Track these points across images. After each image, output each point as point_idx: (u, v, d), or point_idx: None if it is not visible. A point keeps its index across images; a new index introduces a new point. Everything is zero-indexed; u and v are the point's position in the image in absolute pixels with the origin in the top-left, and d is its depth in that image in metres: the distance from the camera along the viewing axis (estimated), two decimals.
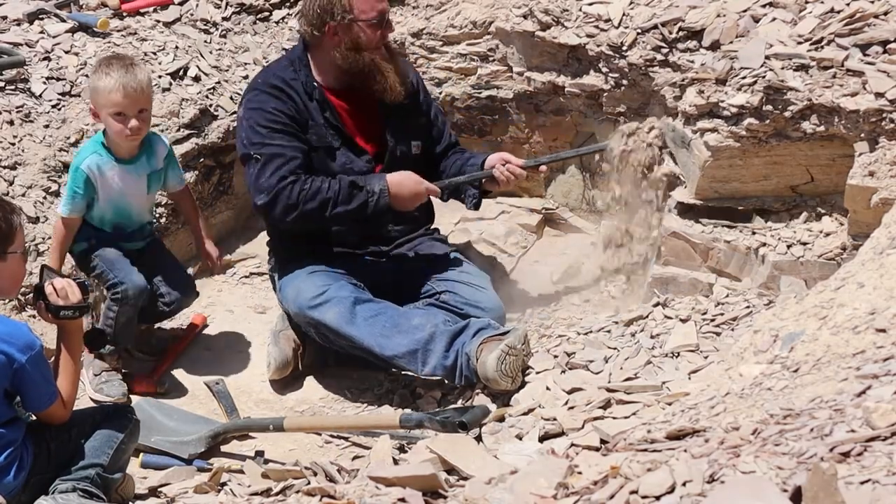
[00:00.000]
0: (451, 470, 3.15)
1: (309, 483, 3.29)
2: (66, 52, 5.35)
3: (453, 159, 4.91)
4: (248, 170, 4.61)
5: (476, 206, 4.89)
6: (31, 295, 3.83)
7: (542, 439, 3.77)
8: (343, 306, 4.50)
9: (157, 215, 5.12)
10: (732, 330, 4.23)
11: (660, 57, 4.76)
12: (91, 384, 4.55)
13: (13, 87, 5.16)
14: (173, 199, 5.01)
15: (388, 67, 4.65)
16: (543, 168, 4.90)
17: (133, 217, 4.68)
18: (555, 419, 3.85)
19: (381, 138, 4.74)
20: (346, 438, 4.35)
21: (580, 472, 2.38)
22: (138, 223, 4.71)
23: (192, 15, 5.75)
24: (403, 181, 4.59)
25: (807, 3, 4.51)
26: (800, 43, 4.38)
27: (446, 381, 4.48)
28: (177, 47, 5.48)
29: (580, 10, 5.03)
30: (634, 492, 2.18)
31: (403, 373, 4.66)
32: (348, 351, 4.58)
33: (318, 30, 4.64)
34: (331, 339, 4.55)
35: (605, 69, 5.00)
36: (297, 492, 3.20)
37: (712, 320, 4.33)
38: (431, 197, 5.01)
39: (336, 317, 4.49)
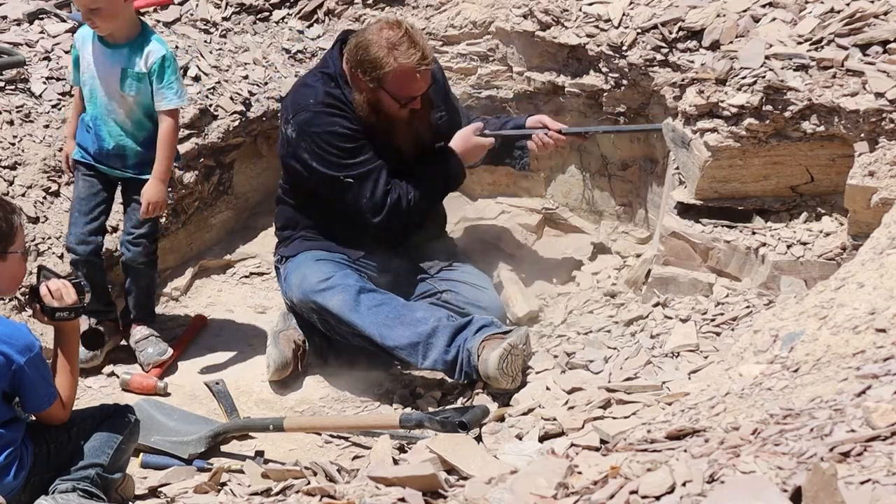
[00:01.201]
0: (451, 470, 3.15)
1: (309, 483, 3.29)
2: (66, 52, 5.34)
3: (491, 121, 4.99)
4: (339, 189, 4.62)
5: (525, 167, 5.05)
6: (27, 296, 3.82)
7: (542, 439, 3.77)
8: (348, 294, 4.52)
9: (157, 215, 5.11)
10: (732, 330, 4.23)
11: (660, 57, 4.76)
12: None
13: (13, 87, 5.16)
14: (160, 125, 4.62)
15: (401, 129, 4.65)
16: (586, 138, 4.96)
17: (103, 111, 4.61)
18: (555, 419, 3.86)
19: (406, 145, 4.75)
20: (346, 438, 4.35)
21: (580, 472, 2.38)
22: (112, 129, 4.61)
23: (192, 15, 5.75)
24: (466, 148, 4.82)
25: (807, 3, 4.51)
26: (800, 43, 4.38)
27: (446, 377, 4.49)
28: (177, 47, 5.48)
29: (580, 10, 5.03)
30: (634, 492, 2.18)
31: (404, 372, 4.66)
32: (349, 340, 4.58)
33: (350, 67, 4.60)
34: (333, 325, 4.57)
35: (605, 69, 5.00)
36: (297, 492, 3.20)
37: (712, 320, 4.33)
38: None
39: (340, 303, 4.51)
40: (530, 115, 4.97)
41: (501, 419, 4.11)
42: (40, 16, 5.54)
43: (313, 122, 4.59)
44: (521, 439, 3.85)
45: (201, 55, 5.55)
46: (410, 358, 4.46)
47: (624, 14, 4.90)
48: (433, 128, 4.79)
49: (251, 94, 5.51)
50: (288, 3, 5.93)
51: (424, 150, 4.77)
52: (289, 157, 4.69)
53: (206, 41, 5.65)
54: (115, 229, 4.92)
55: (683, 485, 2.15)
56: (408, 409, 4.42)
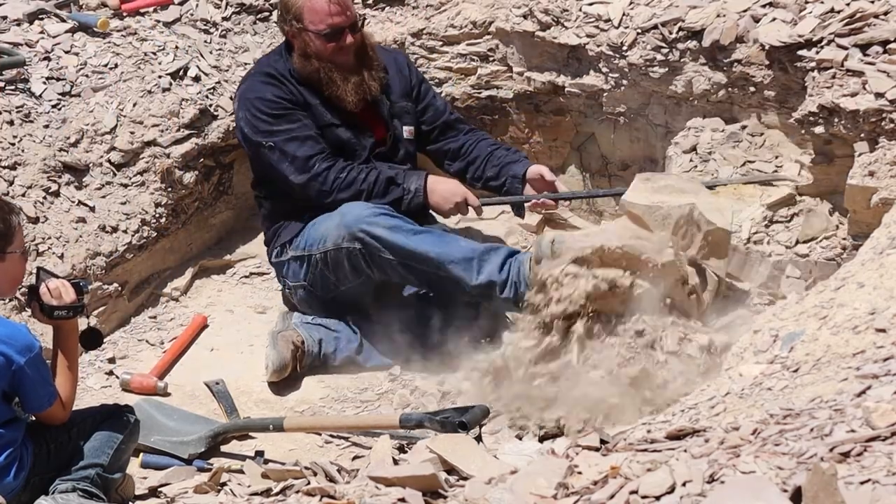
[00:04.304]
0: (450, 470, 3.15)
1: (309, 483, 3.29)
2: (66, 52, 5.34)
3: (485, 150, 4.94)
4: (264, 158, 4.73)
5: (521, 216, 5.02)
6: (26, 296, 3.82)
7: (542, 439, 3.78)
8: (393, 220, 4.55)
9: (158, 215, 5.12)
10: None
11: (660, 57, 4.76)
12: None
13: (13, 87, 5.15)
14: None
15: (340, 78, 4.71)
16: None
17: None
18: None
19: (380, 119, 4.85)
20: (346, 438, 4.35)
21: (580, 472, 2.38)
22: None
23: (192, 15, 5.74)
24: (440, 183, 4.73)
25: (807, 3, 4.51)
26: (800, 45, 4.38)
27: (494, 294, 4.47)
28: (177, 47, 5.48)
29: (580, 10, 5.03)
30: (634, 492, 2.18)
31: (404, 373, 4.65)
32: (392, 273, 4.58)
33: (282, 26, 4.83)
34: (375, 257, 4.56)
35: (605, 69, 5.00)
36: (297, 492, 3.20)
37: None
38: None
39: (388, 228, 4.53)
40: (530, 166, 4.87)
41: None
42: (40, 16, 5.53)
43: (248, 90, 4.79)
44: (521, 439, 3.85)
45: (201, 55, 5.55)
46: (465, 272, 4.47)
47: (624, 14, 4.89)
48: (377, 77, 4.79)
49: None
50: None
51: (370, 103, 4.78)
52: (238, 135, 4.86)
53: (206, 41, 5.65)
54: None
55: (683, 485, 2.15)
56: (407, 409, 4.41)
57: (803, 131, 4.43)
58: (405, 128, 4.90)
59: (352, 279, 4.66)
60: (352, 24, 4.72)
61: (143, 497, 3.99)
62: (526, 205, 4.86)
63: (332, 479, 3.48)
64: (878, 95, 4.13)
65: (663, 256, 4.15)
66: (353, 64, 4.74)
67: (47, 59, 5.32)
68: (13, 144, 4.94)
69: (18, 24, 5.46)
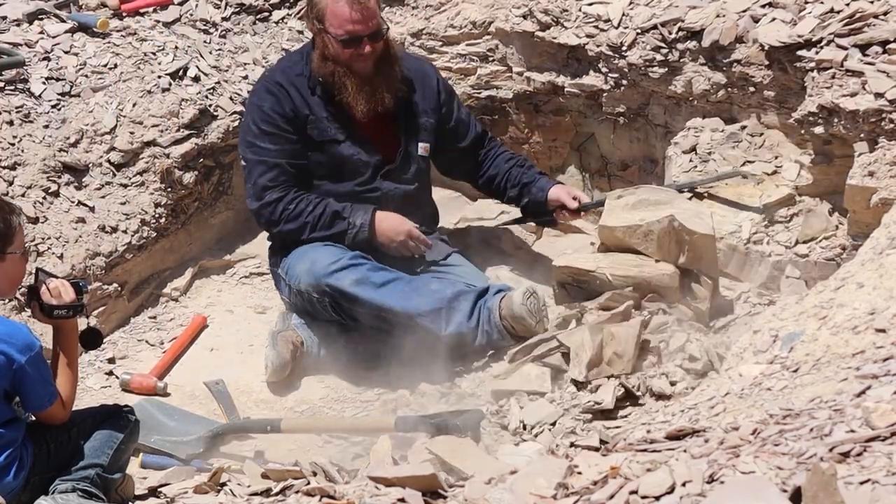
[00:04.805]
0: (450, 470, 3.15)
1: (309, 483, 3.29)
2: (66, 53, 5.34)
3: (503, 167, 4.91)
4: (243, 168, 4.84)
5: (547, 224, 5.06)
6: (26, 296, 3.81)
7: None
8: (359, 272, 4.54)
9: (157, 215, 5.12)
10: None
11: (659, 57, 4.76)
12: None
13: (13, 87, 5.16)
14: None
15: (352, 84, 4.63)
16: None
17: None
18: None
19: (392, 136, 4.78)
20: (345, 438, 4.35)
21: (580, 472, 2.38)
22: None
23: (191, 15, 5.75)
24: (386, 220, 4.67)
25: (806, 3, 4.51)
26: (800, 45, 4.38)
27: (467, 342, 4.47)
28: (176, 47, 5.48)
29: (580, 10, 5.03)
30: (634, 492, 2.18)
31: (403, 377, 4.65)
32: (363, 321, 4.59)
33: (308, 25, 4.82)
34: (345, 307, 4.57)
35: (604, 69, 5.00)
36: (297, 492, 3.20)
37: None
38: (434, 198, 5.03)
39: (353, 283, 4.53)
40: (553, 184, 4.88)
41: None
42: (40, 16, 5.53)
43: (254, 93, 4.85)
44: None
45: (201, 55, 5.55)
46: (433, 324, 4.46)
47: (623, 14, 4.90)
48: (394, 89, 4.70)
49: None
50: (288, 3, 5.93)
51: (383, 116, 4.72)
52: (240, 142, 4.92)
53: (205, 41, 5.65)
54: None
55: (683, 485, 2.15)
56: (403, 413, 4.39)
57: (803, 131, 4.43)
58: (420, 144, 4.81)
59: (329, 318, 4.67)
60: (372, 33, 4.61)
61: (143, 497, 3.98)
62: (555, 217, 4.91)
63: (332, 479, 3.48)
64: (878, 95, 4.13)
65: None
66: (370, 73, 4.64)
67: (47, 59, 5.32)
68: (13, 144, 4.95)
69: (18, 24, 5.46)
